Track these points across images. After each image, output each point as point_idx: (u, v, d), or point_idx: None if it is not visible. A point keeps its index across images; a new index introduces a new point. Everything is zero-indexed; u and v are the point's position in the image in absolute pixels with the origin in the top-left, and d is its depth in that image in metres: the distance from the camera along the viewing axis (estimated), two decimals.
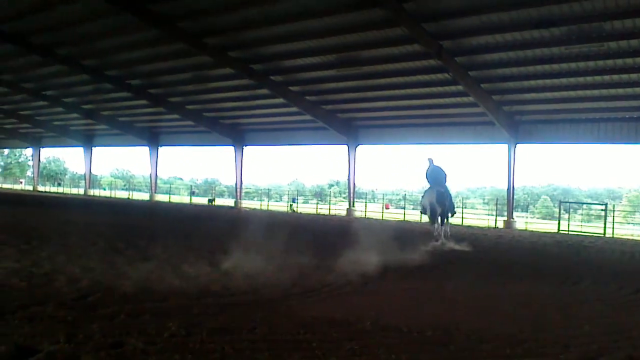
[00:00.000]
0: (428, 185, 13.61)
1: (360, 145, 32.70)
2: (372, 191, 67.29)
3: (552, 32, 17.65)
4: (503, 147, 27.02)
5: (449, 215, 13.59)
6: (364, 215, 32.65)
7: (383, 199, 43.97)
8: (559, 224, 26.46)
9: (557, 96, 22.89)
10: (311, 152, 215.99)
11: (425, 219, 13.55)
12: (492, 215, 31.54)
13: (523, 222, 32.80)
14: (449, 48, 19.83)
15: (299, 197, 45.66)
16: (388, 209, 41.87)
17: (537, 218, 57.57)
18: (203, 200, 46.82)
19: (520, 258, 11.95)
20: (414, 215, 34.02)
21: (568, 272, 9.08)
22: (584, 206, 47.45)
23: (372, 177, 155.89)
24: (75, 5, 21.35)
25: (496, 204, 31.59)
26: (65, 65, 29.36)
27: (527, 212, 66.48)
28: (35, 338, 3.38)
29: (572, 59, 19.35)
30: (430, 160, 13.55)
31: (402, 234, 17.16)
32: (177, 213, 23.63)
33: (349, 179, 33.33)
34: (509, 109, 24.95)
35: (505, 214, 28.25)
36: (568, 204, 31.72)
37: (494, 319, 5.09)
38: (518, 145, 26.51)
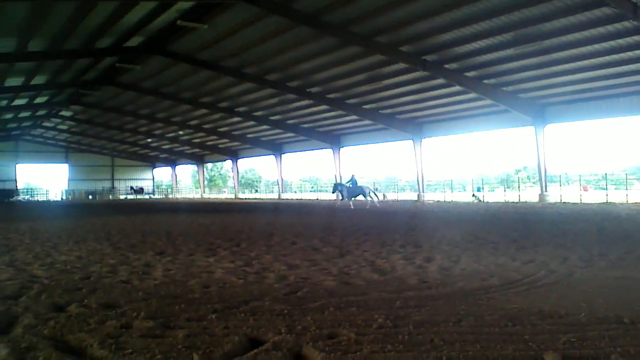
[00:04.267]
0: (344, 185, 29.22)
1: (548, 125, 30.38)
2: (566, 173, 62.07)
3: None
4: None
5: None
6: (559, 200, 30.23)
7: (579, 181, 40.31)
8: None
9: None
10: (493, 138, 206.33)
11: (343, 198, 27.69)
12: None
13: None
14: None
15: (483, 186, 43.88)
16: (586, 190, 38.31)
17: None
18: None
19: None
20: (618, 196, 30.59)
21: None
22: None
23: (565, 158, 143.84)
24: (254, 27, 23.32)
25: None
26: (252, 83, 32.25)
27: None
28: (260, 330, 3.75)
29: None
30: (353, 175, 28.91)
31: (606, 218, 15.57)
32: (364, 210, 24.34)
33: (539, 163, 31.12)
34: None
35: None
36: None
37: None
38: None
